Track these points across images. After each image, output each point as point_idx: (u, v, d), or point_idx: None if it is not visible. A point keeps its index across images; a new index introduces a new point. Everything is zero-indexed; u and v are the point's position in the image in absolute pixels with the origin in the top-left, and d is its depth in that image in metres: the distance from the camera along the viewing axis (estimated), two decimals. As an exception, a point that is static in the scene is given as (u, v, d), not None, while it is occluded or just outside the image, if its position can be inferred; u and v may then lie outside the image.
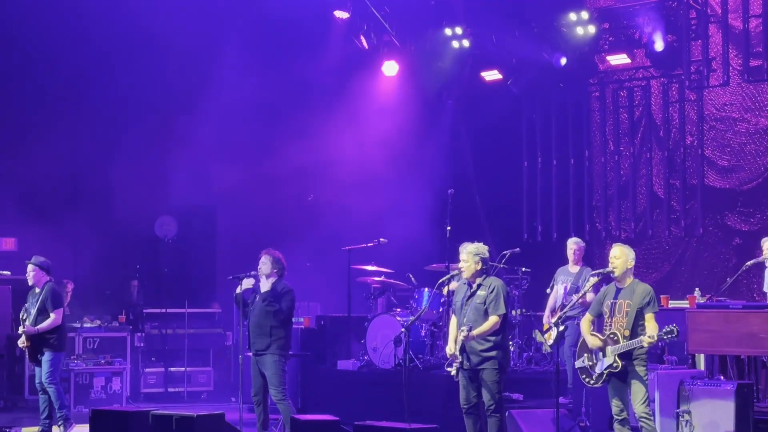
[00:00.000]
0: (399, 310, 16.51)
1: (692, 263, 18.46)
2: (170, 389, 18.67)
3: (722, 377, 13.22)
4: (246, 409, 13.54)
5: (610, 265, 11.27)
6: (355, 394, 15.76)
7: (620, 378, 11.02)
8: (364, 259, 17.34)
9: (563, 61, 19.34)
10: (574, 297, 13.55)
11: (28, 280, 14.45)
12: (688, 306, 14.04)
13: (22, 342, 14.29)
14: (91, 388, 17.41)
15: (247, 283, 13.23)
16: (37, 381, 14.36)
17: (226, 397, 18.21)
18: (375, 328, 16.17)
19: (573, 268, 15.00)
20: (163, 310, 18.94)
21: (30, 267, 14.40)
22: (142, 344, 18.81)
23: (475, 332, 11.60)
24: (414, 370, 15.10)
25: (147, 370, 18.78)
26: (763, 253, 13.70)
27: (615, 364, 10.96)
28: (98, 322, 18.19)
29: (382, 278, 16.93)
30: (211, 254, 20.65)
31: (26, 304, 14.43)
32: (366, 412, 13.54)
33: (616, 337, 10.98)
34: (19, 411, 17.02)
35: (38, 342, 14.19)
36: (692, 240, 18.60)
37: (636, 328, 10.93)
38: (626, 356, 10.95)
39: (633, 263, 11.25)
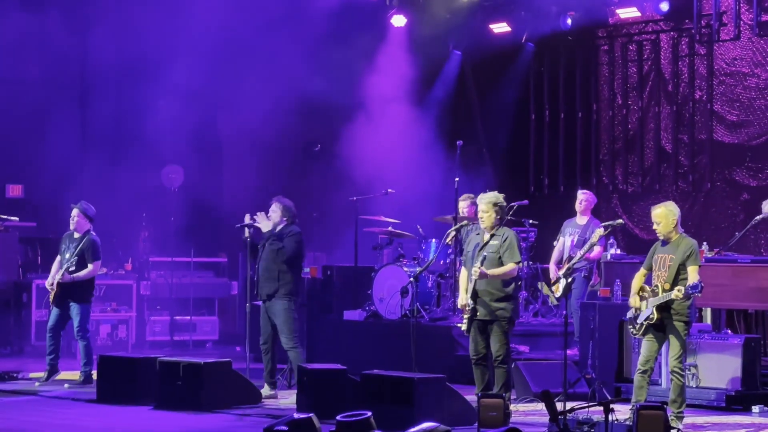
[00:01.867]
0: (406, 260, 16.50)
1: (700, 218, 18.41)
2: (175, 338, 18.70)
3: (729, 331, 13.23)
4: (251, 358, 13.56)
5: (654, 225, 11.27)
6: (362, 344, 15.81)
7: (658, 330, 11.09)
8: (371, 210, 17.33)
9: (569, 21, 19.26)
10: (580, 252, 13.52)
11: (71, 224, 14.30)
12: (696, 260, 14.02)
13: (50, 286, 14.16)
14: (97, 335, 17.49)
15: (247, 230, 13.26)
16: (49, 324, 14.23)
17: (231, 347, 18.23)
18: (382, 278, 16.17)
19: (581, 219, 14.95)
20: (170, 259, 18.95)
21: (75, 212, 14.26)
22: (147, 292, 18.82)
23: (489, 271, 11.56)
24: (420, 321, 15.11)
25: (152, 318, 18.79)
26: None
27: (651, 316, 11.02)
28: (104, 269, 18.17)
29: (389, 229, 16.89)
30: (218, 203, 20.62)
31: (62, 247, 14.28)
32: (373, 361, 13.53)
33: (657, 290, 11.06)
34: (26, 356, 17.08)
35: (69, 288, 14.08)
36: (700, 195, 18.56)
37: (677, 281, 10.98)
38: (664, 309, 11.02)
39: (676, 219, 11.18)
